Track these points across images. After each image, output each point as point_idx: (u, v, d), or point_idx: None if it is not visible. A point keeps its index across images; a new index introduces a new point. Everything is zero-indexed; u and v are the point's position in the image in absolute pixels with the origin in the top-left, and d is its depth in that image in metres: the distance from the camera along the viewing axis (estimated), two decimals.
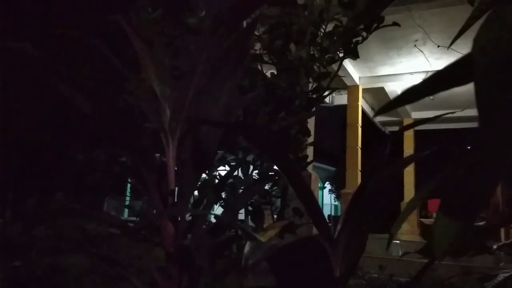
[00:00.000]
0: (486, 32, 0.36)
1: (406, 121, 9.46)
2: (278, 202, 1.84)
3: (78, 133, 1.42)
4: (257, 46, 2.06)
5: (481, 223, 1.23)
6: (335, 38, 1.75)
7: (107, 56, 1.17)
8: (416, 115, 9.42)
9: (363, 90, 8.16)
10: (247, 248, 0.50)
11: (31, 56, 0.73)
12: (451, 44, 0.98)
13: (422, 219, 7.69)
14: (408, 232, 7.67)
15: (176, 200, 1.09)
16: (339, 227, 0.89)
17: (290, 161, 0.99)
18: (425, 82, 0.47)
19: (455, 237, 0.57)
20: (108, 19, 1.20)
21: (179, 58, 1.85)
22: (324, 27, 1.70)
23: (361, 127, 8.03)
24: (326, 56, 1.70)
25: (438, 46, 5.97)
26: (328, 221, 0.91)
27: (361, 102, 8.13)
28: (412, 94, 0.49)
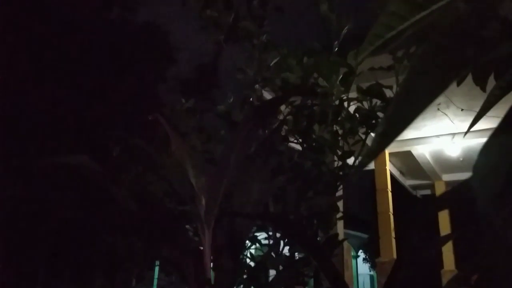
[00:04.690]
0: (484, 159, 0.42)
1: (437, 184, 9.23)
2: (311, 281, 1.82)
3: (117, 220, 1.51)
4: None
5: None
6: (357, 117, 1.85)
7: (148, 151, 1.29)
8: (447, 177, 9.20)
9: (390, 154, 8.13)
10: None
11: (89, 168, 0.84)
12: (468, 130, 1.04)
13: None
14: None
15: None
16: None
17: (319, 248, 1.03)
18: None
19: None
20: (148, 119, 1.35)
21: (211, 142, 1.98)
22: (345, 109, 1.81)
23: (391, 191, 7.89)
24: (349, 137, 1.78)
25: (462, 110, 6.02)
26: None
27: (389, 167, 8.07)
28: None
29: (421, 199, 10.18)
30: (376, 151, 0.41)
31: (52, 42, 2.29)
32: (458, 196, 0.70)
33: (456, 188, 0.61)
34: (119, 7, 2.52)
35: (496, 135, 0.44)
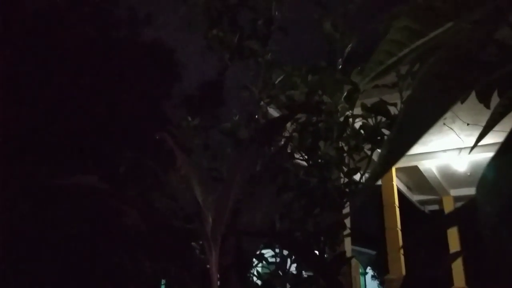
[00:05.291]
0: (487, 179, 0.43)
1: (445, 199, 9.14)
2: None
3: (124, 238, 1.51)
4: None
5: None
6: (362, 134, 1.86)
7: (154, 169, 1.30)
8: (455, 192, 9.11)
9: (397, 169, 8.08)
10: None
11: (97, 188, 0.86)
12: (473, 147, 1.04)
13: None
14: None
15: None
16: None
17: (327, 266, 1.03)
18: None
19: None
20: (155, 137, 1.37)
21: (217, 160, 1.99)
22: (349, 126, 1.82)
23: (398, 207, 7.82)
24: (355, 154, 1.79)
25: (468, 124, 6.00)
26: None
27: (396, 182, 8.01)
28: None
29: (429, 215, 10.08)
30: (380, 174, 0.42)
31: (60, 61, 2.34)
32: (466, 214, 0.70)
33: (464, 206, 0.62)
34: (127, 27, 2.58)
35: (499, 154, 0.44)
